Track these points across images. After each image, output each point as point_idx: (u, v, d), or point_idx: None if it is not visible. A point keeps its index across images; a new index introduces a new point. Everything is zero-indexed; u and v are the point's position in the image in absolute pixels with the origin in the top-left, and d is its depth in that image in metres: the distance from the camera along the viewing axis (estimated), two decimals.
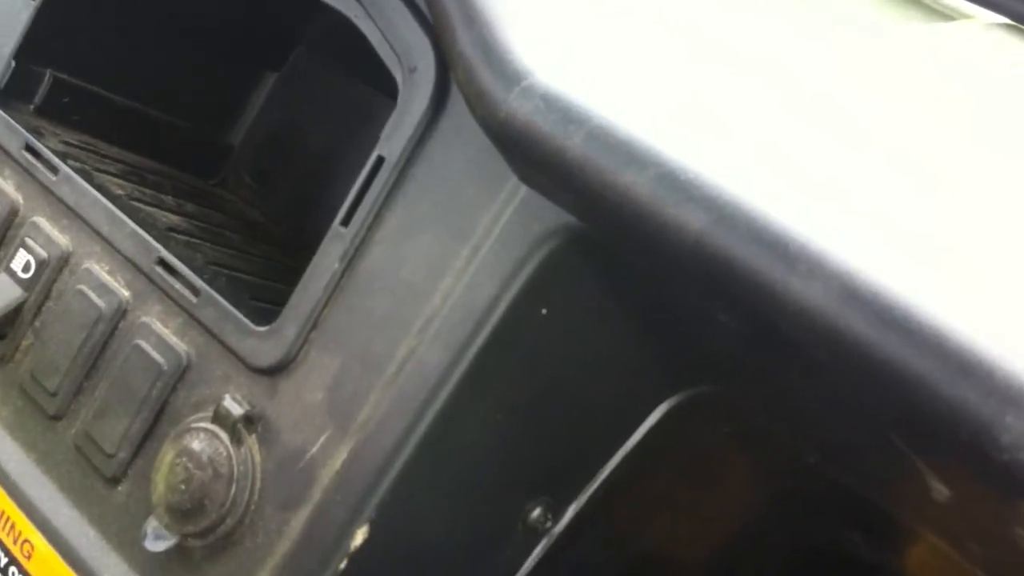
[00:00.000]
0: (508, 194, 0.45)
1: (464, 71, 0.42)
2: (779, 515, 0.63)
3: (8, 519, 0.56)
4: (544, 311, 0.45)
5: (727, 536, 0.65)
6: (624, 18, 0.48)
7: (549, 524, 0.52)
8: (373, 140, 0.76)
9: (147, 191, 0.66)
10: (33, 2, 0.63)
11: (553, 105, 0.40)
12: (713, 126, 0.41)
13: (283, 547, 0.47)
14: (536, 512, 0.52)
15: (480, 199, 0.46)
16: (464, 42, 0.42)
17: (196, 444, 0.49)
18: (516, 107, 0.40)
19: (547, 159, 0.40)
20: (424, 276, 0.47)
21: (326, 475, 0.47)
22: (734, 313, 0.38)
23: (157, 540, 0.49)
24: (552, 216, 0.44)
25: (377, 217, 0.49)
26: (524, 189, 0.45)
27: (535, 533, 0.53)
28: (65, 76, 0.68)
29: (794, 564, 0.68)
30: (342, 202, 0.76)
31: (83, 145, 0.67)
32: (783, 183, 0.38)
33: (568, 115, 0.39)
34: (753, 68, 0.48)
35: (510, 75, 0.41)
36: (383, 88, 0.75)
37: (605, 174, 0.38)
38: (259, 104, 0.79)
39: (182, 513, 0.49)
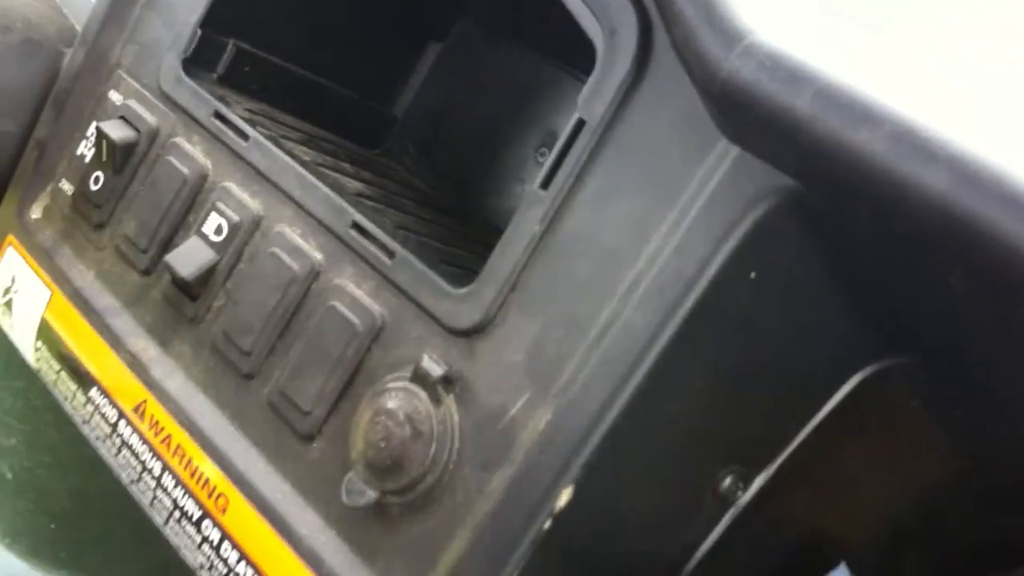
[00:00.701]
0: (718, 156, 0.45)
1: (682, 30, 0.42)
2: (955, 498, 0.62)
3: (203, 474, 0.57)
4: (753, 275, 0.45)
5: (904, 515, 0.64)
6: None
7: (740, 494, 0.52)
8: (536, 109, 0.76)
9: (327, 158, 0.67)
10: None
11: (778, 63, 0.39)
12: (945, 85, 0.40)
13: (484, 507, 0.48)
14: (727, 481, 0.52)
15: (687, 162, 0.46)
16: (682, 1, 0.42)
17: (395, 403, 0.50)
18: (738, 65, 0.40)
19: (772, 118, 0.39)
20: (628, 239, 0.46)
21: (528, 436, 0.47)
22: (972, 276, 0.37)
23: (356, 496, 0.50)
24: (766, 178, 0.43)
25: (578, 180, 0.48)
26: (736, 151, 0.44)
27: (724, 503, 0.52)
28: (246, 46, 0.69)
29: (963, 549, 0.67)
30: (506, 170, 0.76)
31: (264, 113, 0.68)
32: None
33: (795, 73, 0.39)
34: (985, 19, 0.46)
35: (731, 33, 0.40)
36: (551, 56, 0.76)
37: (836, 132, 0.37)
38: (423, 74, 0.80)
39: (381, 470, 0.50)
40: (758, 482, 0.53)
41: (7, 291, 0.72)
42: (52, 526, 1.36)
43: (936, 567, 0.67)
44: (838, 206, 0.42)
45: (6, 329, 0.73)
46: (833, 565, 0.57)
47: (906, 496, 0.62)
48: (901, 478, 0.59)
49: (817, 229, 0.45)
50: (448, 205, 0.78)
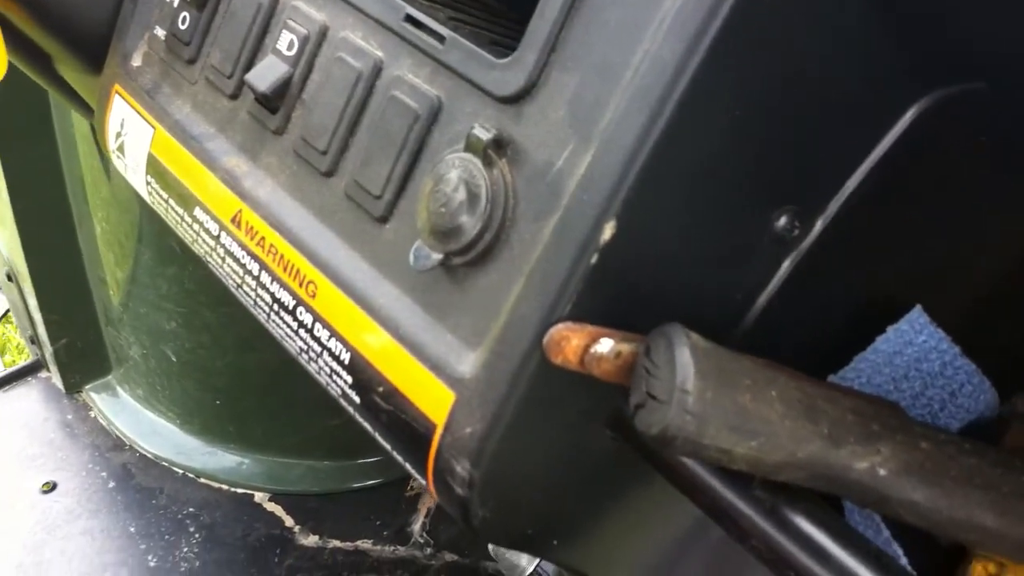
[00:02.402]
0: None
1: None
2: None
3: (293, 267, 0.59)
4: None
5: (986, 278, 0.60)
6: None
7: (796, 233, 0.50)
8: None
9: None
10: None
11: None
12: None
13: (538, 252, 0.48)
14: (782, 221, 0.50)
15: None
16: None
17: (452, 172, 0.50)
18: None
19: None
20: None
21: (572, 182, 0.47)
22: None
23: (423, 260, 0.51)
24: None
25: None
26: None
27: (782, 244, 0.51)
28: None
29: None
30: None
31: None
32: None
33: None
34: None
35: None
36: None
37: None
38: None
39: (443, 234, 0.50)
40: (819, 225, 0.51)
41: (119, 135, 0.74)
42: (217, 402, 1.43)
43: None
44: None
45: (122, 171, 0.76)
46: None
47: (986, 256, 0.59)
48: (979, 233, 0.56)
49: None
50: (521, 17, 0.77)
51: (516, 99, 0.50)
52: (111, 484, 1.35)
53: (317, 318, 0.58)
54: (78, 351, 1.45)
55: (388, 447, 0.56)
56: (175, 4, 0.69)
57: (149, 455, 1.42)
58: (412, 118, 0.54)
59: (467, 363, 0.50)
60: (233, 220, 0.63)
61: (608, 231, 0.45)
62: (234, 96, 0.65)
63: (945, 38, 0.46)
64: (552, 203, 0.48)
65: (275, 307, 0.61)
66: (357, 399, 0.56)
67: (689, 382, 0.42)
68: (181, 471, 1.40)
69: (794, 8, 0.44)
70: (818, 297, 0.54)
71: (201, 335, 1.36)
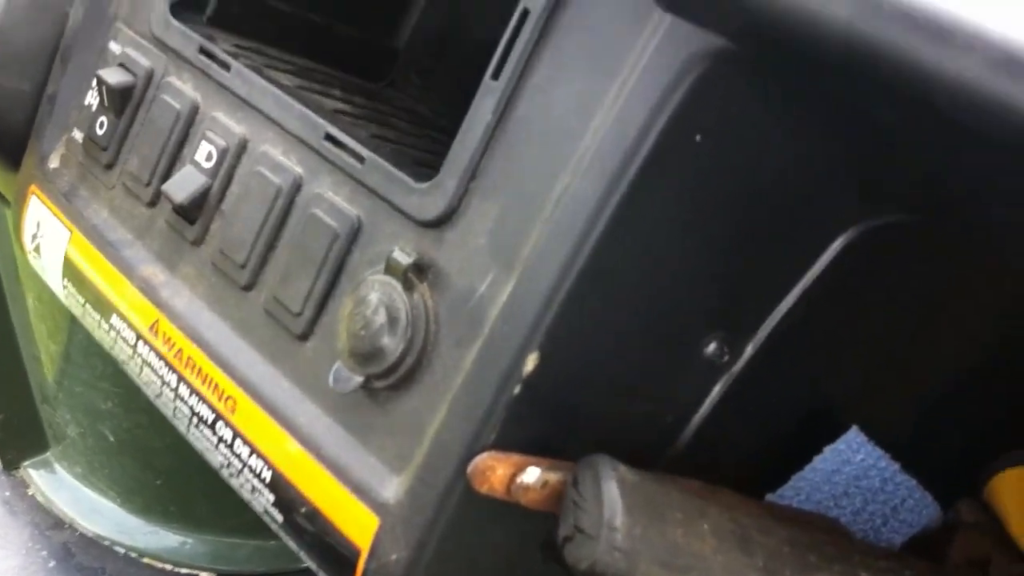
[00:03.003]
0: (653, 27, 0.43)
1: None
2: (981, 374, 0.59)
3: (212, 380, 0.57)
4: (698, 138, 0.43)
5: (922, 390, 0.60)
6: None
7: (727, 359, 0.50)
8: None
9: (315, 85, 0.65)
10: None
11: None
12: None
13: (460, 379, 0.47)
14: (712, 347, 0.49)
15: (625, 37, 0.44)
16: None
17: (372, 294, 0.49)
18: None
19: None
20: (576, 117, 0.45)
21: (494, 311, 0.46)
22: (891, 103, 0.35)
23: (343, 382, 0.50)
24: (698, 41, 0.41)
25: (526, 67, 0.47)
26: (668, 19, 0.42)
27: (712, 369, 0.50)
28: None
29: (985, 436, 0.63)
30: None
31: (253, 48, 0.67)
32: None
33: None
34: None
35: None
36: None
37: None
38: (421, 5, 0.77)
39: (364, 357, 0.49)
40: (749, 349, 0.51)
41: (35, 236, 0.72)
42: (158, 482, 1.36)
43: (969, 443, 0.64)
44: (769, 59, 0.40)
45: (39, 271, 0.73)
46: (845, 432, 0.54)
47: (921, 370, 0.59)
48: (913, 350, 0.56)
49: (761, 89, 0.43)
50: (451, 128, 0.76)
51: (437, 224, 0.49)
52: (51, 564, 1.28)
53: (237, 434, 0.56)
54: (14, 428, 1.39)
55: (313, 567, 0.54)
56: (93, 108, 0.67)
57: (90, 534, 1.35)
58: (332, 237, 0.53)
59: (391, 488, 0.49)
60: (151, 329, 0.61)
61: (531, 362, 0.45)
62: (152, 204, 0.63)
63: (872, 174, 0.47)
64: (474, 330, 0.47)
65: (195, 420, 0.59)
66: (280, 518, 0.54)
67: (617, 518, 0.41)
68: (123, 550, 1.33)
69: (718, 143, 0.44)
70: (753, 416, 0.54)
71: (139, 415, 1.30)
